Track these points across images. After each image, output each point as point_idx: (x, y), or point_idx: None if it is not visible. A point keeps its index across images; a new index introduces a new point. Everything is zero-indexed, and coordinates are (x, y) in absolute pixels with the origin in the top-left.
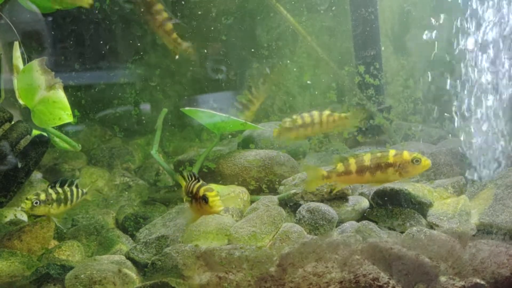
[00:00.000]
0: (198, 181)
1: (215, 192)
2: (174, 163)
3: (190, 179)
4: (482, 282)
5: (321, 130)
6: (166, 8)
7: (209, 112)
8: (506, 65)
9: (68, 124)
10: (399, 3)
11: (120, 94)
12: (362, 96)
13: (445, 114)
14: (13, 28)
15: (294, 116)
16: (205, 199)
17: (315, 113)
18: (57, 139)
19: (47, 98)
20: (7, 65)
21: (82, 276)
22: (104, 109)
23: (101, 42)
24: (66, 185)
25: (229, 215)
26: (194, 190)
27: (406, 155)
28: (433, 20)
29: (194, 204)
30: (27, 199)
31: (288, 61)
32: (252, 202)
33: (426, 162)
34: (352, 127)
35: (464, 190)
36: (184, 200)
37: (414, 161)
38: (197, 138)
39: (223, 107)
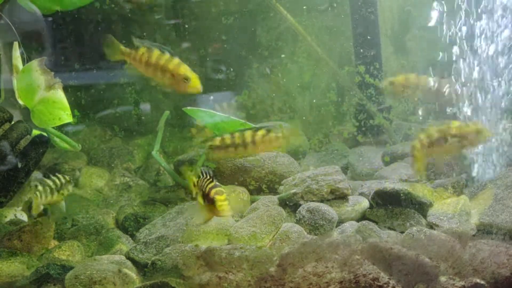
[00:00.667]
0: (212, 180)
1: (225, 196)
2: (174, 163)
3: (203, 176)
4: (482, 282)
5: (254, 151)
6: None
7: (210, 112)
8: None
9: (68, 124)
10: (399, 3)
11: (120, 94)
12: (362, 96)
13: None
14: (13, 28)
15: (225, 136)
16: (213, 201)
17: (248, 133)
18: (57, 139)
19: (47, 98)
20: (7, 65)
21: (82, 276)
22: (104, 109)
23: (101, 42)
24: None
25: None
26: (206, 190)
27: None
28: None
29: (205, 204)
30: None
31: (288, 62)
32: (252, 202)
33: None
34: (286, 146)
35: (464, 190)
36: (197, 199)
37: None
38: None
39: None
